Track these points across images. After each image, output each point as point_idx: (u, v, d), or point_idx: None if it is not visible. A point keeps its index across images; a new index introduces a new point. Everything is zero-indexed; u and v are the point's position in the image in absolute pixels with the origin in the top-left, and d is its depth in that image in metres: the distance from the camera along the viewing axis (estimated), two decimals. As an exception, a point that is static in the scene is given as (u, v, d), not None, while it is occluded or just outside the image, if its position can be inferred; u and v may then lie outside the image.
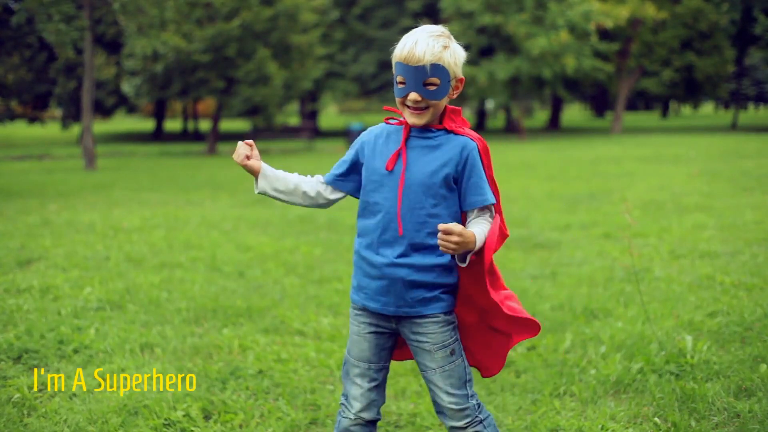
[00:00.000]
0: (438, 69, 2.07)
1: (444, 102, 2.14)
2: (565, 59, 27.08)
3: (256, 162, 2.25)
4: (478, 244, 2.08)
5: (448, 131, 2.18)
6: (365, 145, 2.26)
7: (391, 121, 2.26)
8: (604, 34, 30.15)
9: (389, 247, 2.16)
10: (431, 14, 33.49)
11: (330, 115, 67.12)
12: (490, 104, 38.09)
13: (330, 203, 2.34)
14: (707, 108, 71.37)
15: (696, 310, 4.36)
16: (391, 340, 2.31)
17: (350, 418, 2.29)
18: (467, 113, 63.19)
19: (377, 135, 2.26)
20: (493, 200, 2.17)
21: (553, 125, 39.74)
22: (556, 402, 3.25)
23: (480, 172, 2.16)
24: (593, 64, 28.36)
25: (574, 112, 72.47)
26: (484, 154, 2.18)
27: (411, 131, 2.18)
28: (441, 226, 1.99)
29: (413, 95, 2.09)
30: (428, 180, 2.13)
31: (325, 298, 4.99)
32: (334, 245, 6.95)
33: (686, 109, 66.51)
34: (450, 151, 2.15)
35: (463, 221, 2.23)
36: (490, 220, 2.17)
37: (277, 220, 8.58)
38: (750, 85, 41.34)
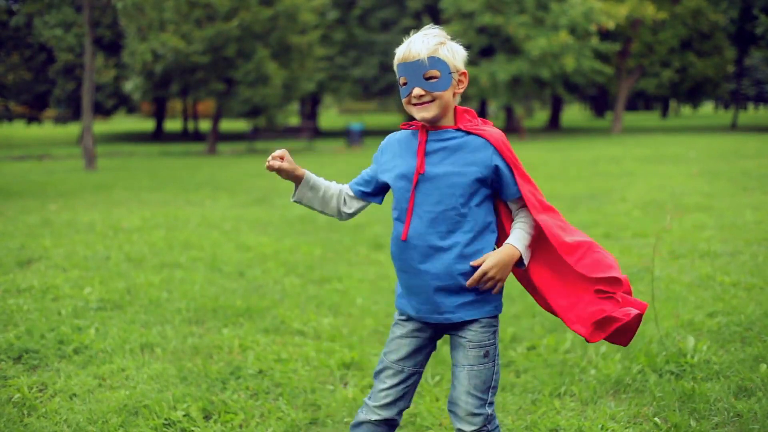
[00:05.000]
0: (435, 61, 2.13)
1: (449, 95, 2.16)
2: (564, 59, 27.07)
3: (296, 167, 2.26)
4: (521, 245, 2.17)
5: (466, 132, 2.19)
6: (385, 150, 2.31)
7: (411, 127, 2.28)
8: (605, 35, 30.15)
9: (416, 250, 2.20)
10: (432, 14, 33.49)
11: (330, 116, 67.13)
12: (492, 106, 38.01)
13: (346, 217, 2.40)
14: (707, 108, 71.36)
15: (696, 310, 4.36)
16: (432, 345, 2.31)
17: (364, 413, 2.27)
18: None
19: (398, 139, 2.30)
20: (518, 194, 2.19)
21: (553, 125, 39.74)
22: (556, 402, 3.25)
23: (505, 167, 2.17)
24: (593, 65, 28.35)
25: (574, 112, 72.46)
26: (505, 149, 2.18)
27: (428, 135, 2.20)
28: (473, 279, 2.12)
29: (416, 90, 2.14)
30: (453, 181, 2.15)
31: (325, 298, 4.99)
32: (334, 245, 6.95)
33: (686, 109, 66.51)
34: (474, 153, 2.16)
35: (503, 216, 2.27)
36: (526, 214, 2.21)
37: (277, 220, 8.58)
38: (750, 85, 41.36)
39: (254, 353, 3.87)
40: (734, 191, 10.00)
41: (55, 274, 5.58)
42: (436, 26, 2.22)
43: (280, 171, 2.23)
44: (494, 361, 2.22)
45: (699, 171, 12.99)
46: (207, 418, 3.15)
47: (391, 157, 2.27)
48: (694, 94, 37.21)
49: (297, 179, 2.28)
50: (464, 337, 2.20)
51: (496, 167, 2.16)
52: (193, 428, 3.03)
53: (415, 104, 2.17)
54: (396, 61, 2.20)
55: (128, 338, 4.05)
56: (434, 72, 2.13)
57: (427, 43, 2.13)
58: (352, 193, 2.37)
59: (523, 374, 3.61)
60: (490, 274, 2.12)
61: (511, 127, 36.48)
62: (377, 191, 2.35)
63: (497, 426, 2.24)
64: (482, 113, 41.51)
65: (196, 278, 5.53)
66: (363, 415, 2.28)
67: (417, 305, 2.22)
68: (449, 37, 2.21)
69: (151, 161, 20.48)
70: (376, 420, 2.27)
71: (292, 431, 3.04)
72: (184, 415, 3.12)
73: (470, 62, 29.37)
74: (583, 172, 13.86)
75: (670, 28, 31.49)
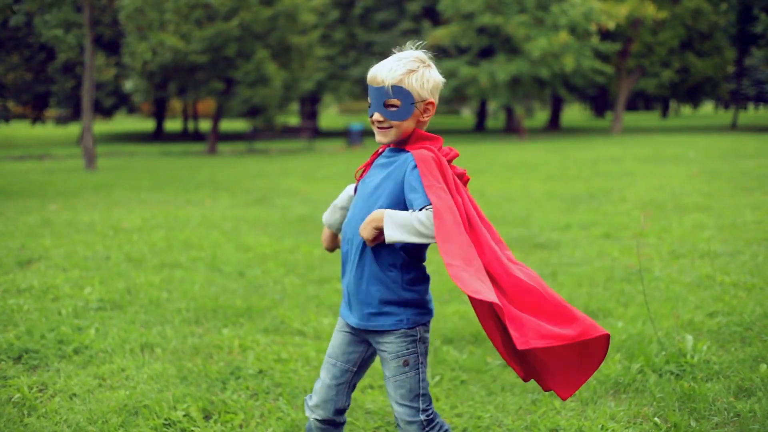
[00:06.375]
0: (398, 91, 2.14)
1: (408, 124, 2.18)
2: (564, 59, 27.07)
3: (332, 238, 2.52)
4: (386, 218, 2.05)
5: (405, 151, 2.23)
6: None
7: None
8: (605, 35, 30.16)
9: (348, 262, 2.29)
10: (431, 16, 33.47)
11: (330, 115, 67.12)
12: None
13: None
14: (707, 108, 71.35)
15: (696, 310, 4.36)
16: (363, 347, 2.35)
17: (308, 414, 2.40)
18: (467, 114, 63.16)
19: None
20: (422, 203, 2.06)
21: (553, 125, 39.74)
22: (556, 402, 3.25)
23: (413, 179, 2.11)
24: (593, 65, 28.35)
25: (574, 112, 72.46)
26: (422, 163, 2.11)
27: (382, 152, 2.32)
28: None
29: (376, 115, 2.20)
30: (372, 193, 2.21)
31: (325, 298, 4.99)
32: (334, 245, 6.94)
33: (686, 109, 66.50)
34: (397, 167, 2.20)
35: None
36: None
37: (277, 220, 8.58)
38: (750, 85, 41.35)
39: (254, 353, 3.87)
40: (734, 191, 10.01)
41: (55, 274, 5.58)
42: (417, 51, 2.21)
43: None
44: (418, 369, 2.24)
45: (699, 171, 12.99)
46: (207, 418, 3.15)
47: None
48: (694, 94, 37.19)
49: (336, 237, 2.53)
50: (384, 351, 2.25)
51: (406, 179, 2.12)
52: (193, 428, 3.03)
53: (375, 126, 2.23)
54: (368, 82, 2.24)
55: (128, 338, 4.05)
56: (395, 101, 2.15)
57: (394, 71, 2.14)
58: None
59: (523, 374, 3.61)
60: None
61: (511, 127, 36.49)
62: None
63: (441, 426, 2.28)
64: (482, 113, 41.56)
65: (196, 278, 5.53)
66: (308, 415, 2.40)
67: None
68: (427, 62, 2.19)
69: (151, 161, 20.48)
70: (317, 421, 2.37)
71: (292, 431, 3.04)
72: (184, 415, 3.12)
73: (470, 63, 29.52)
74: (583, 172, 13.86)
75: (670, 28, 31.49)
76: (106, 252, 6.50)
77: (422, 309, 2.25)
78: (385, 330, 2.22)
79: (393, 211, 2.08)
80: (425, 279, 2.27)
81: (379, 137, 2.23)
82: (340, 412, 2.37)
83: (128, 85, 25.18)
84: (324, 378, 2.35)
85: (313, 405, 2.36)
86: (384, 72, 2.16)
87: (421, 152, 2.15)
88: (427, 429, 2.24)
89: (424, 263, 2.27)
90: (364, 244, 2.19)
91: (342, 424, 2.42)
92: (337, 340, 2.35)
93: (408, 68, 2.15)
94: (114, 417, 3.09)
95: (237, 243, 7.05)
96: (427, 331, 2.28)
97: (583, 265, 5.84)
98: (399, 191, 2.16)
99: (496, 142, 26.93)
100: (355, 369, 2.36)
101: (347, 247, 2.27)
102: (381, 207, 2.15)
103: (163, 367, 3.65)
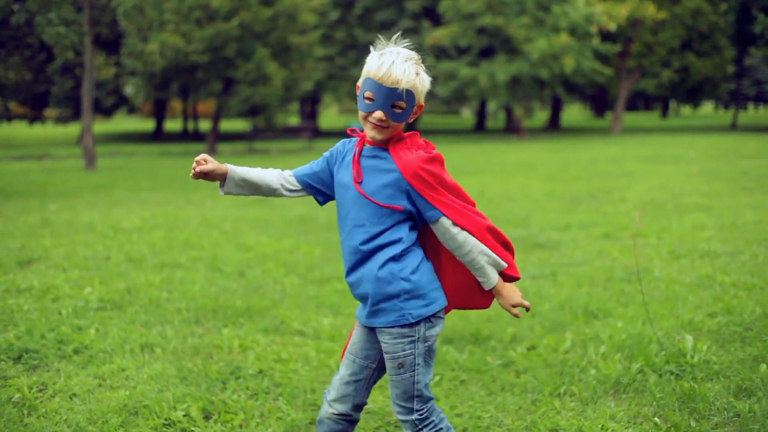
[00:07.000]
0: (409, 94, 2.15)
1: (403, 124, 2.23)
2: (564, 60, 27.08)
3: (218, 166, 2.28)
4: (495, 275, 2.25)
5: (390, 156, 2.22)
6: (337, 155, 2.35)
7: (353, 134, 2.33)
8: (605, 36, 30.17)
9: (348, 261, 2.28)
10: (431, 16, 33.45)
11: (330, 115, 67.10)
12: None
13: (290, 195, 2.39)
14: (707, 108, 71.36)
15: (696, 310, 4.36)
16: (380, 343, 2.32)
17: (325, 408, 2.38)
18: (467, 114, 63.25)
19: (345, 148, 2.35)
20: (436, 216, 2.17)
21: (553, 125, 39.74)
22: (556, 402, 3.25)
23: (424, 190, 2.17)
24: (593, 66, 28.35)
25: (574, 112, 72.47)
26: (416, 179, 2.17)
27: (363, 149, 2.26)
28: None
29: (378, 113, 2.15)
30: (376, 197, 2.19)
31: (325, 298, 4.99)
32: (334, 245, 6.95)
33: (686, 109, 66.50)
34: (396, 175, 2.18)
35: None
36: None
37: (277, 220, 8.58)
38: (750, 85, 41.37)
39: (254, 353, 3.87)
40: (734, 191, 10.01)
41: (55, 274, 5.58)
42: (412, 51, 2.22)
43: (206, 175, 2.25)
44: (413, 371, 2.21)
45: (699, 171, 12.99)
46: (207, 418, 3.15)
47: (340, 164, 2.32)
48: (694, 94, 37.21)
49: (222, 177, 2.29)
50: (382, 348, 2.27)
51: (407, 192, 2.19)
52: (193, 428, 3.03)
53: (371, 123, 2.19)
54: (368, 75, 2.17)
55: (128, 338, 4.05)
56: (402, 104, 2.15)
57: (408, 73, 2.13)
58: (296, 182, 2.38)
59: (523, 374, 3.61)
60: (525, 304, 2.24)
61: (511, 128, 36.49)
62: (320, 190, 2.38)
63: (435, 425, 2.27)
64: (482, 113, 41.56)
65: (196, 278, 5.53)
66: (323, 411, 2.38)
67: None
68: (421, 64, 2.21)
69: (151, 161, 20.48)
70: (335, 415, 2.35)
71: (292, 431, 3.04)
72: (184, 415, 3.12)
73: (470, 63, 29.51)
74: (583, 172, 13.86)
75: (670, 28, 31.51)
76: (106, 252, 6.49)
77: (424, 299, 2.19)
78: (384, 327, 2.20)
79: (492, 262, 2.21)
80: (425, 264, 2.24)
81: (374, 134, 2.19)
82: (359, 407, 2.36)
83: (128, 89, 25.20)
84: (343, 373, 2.34)
85: (332, 399, 2.34)
86: (399, 73, 2.12)
87: (411, 162, 2.18)
88: (419, 428, 2.25)
89: (420, 247, 2.26)
90: (361, 244, 2.20)
91: (356, 421, 2.39)
92: (356, 336, 2.35)
93: (415, 71, 2.16)
94: (114, 417, 3.09)
95: (237, 243, 7.05)
96: (433, 326, 2.22)
97: (583, 265, 5.84)
98: (399, 195, 2.19)
99: (496, 142, 26.93)
100: (374, 366, 2.34)
101: (346, 247, 2.28)
102: (382, 212, 2.18)
103: (163, 367, 3.65)
